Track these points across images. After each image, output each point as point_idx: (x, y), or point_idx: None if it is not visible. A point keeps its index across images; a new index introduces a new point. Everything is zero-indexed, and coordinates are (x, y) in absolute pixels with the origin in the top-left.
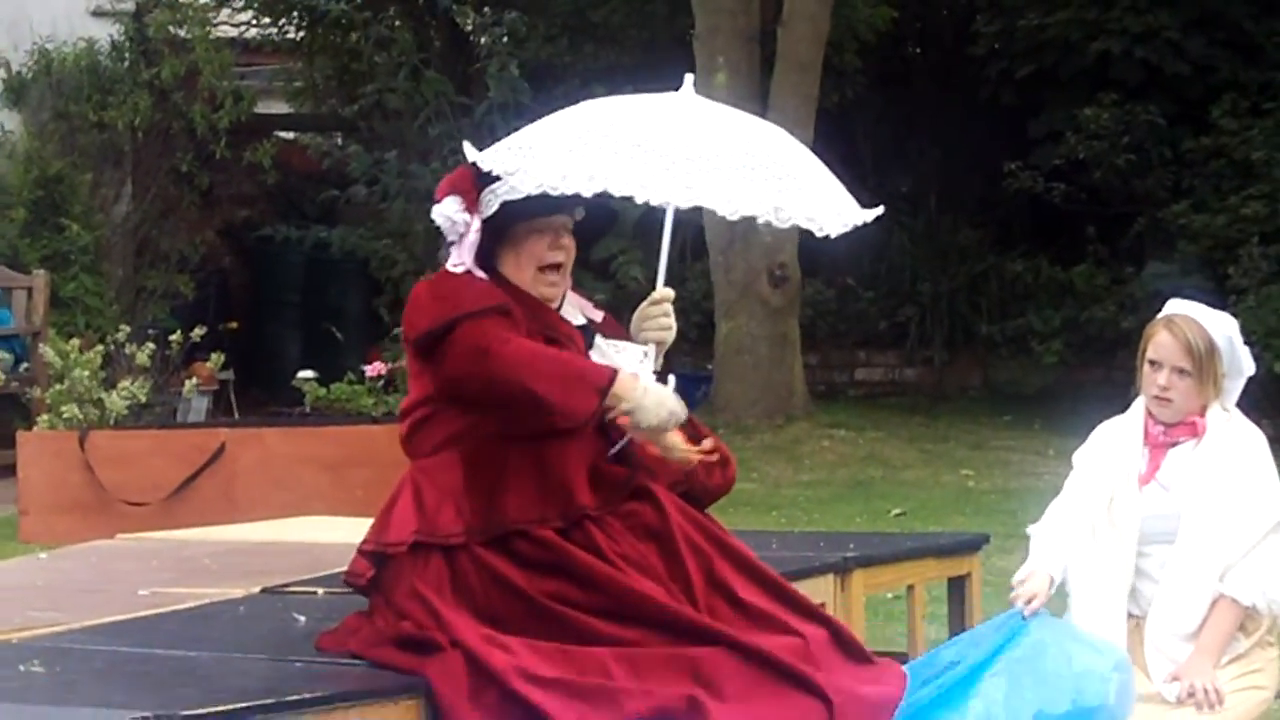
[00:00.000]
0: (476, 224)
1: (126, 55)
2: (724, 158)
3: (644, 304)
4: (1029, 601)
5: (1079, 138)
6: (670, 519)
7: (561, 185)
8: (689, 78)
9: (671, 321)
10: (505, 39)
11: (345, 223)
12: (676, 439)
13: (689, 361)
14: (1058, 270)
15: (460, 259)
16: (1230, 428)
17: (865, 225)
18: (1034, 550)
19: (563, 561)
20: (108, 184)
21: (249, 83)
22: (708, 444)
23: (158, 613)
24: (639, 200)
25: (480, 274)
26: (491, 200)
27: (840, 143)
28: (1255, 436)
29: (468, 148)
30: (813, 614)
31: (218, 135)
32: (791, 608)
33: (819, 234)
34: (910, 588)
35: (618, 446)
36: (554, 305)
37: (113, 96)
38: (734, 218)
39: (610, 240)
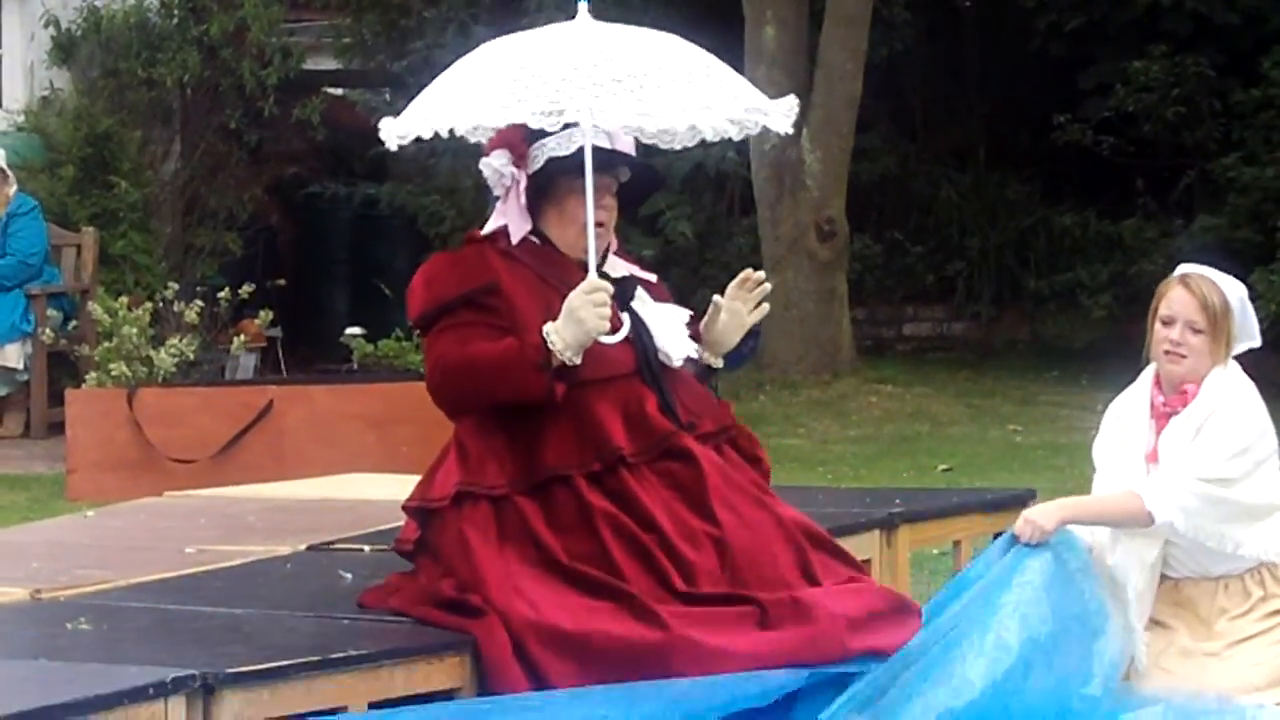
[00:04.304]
0: (523, 179)
1: (175, 12)
2: (630, 74)
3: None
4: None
5: (1128, 90)
6: (706, 479)
7: (460, 125)
8: (582, 5)
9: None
10: None
11: (393, 179)
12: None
13: None
14: (1106, 224)
15: (503, 215)
16: (1217, 382)
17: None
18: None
19: (593, 520)
20: (157, 141)
21: (298, 39)
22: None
23: (204, 570)
24: (556, 124)
25: (520, 232)
26: (539, 155)
27: (889, 96)
28: (1242, 384)
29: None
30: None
31: (266, 92)
32: (827, 569)
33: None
34: (956, 543)
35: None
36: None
37: (161, 53)
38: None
39: (657, 196)
